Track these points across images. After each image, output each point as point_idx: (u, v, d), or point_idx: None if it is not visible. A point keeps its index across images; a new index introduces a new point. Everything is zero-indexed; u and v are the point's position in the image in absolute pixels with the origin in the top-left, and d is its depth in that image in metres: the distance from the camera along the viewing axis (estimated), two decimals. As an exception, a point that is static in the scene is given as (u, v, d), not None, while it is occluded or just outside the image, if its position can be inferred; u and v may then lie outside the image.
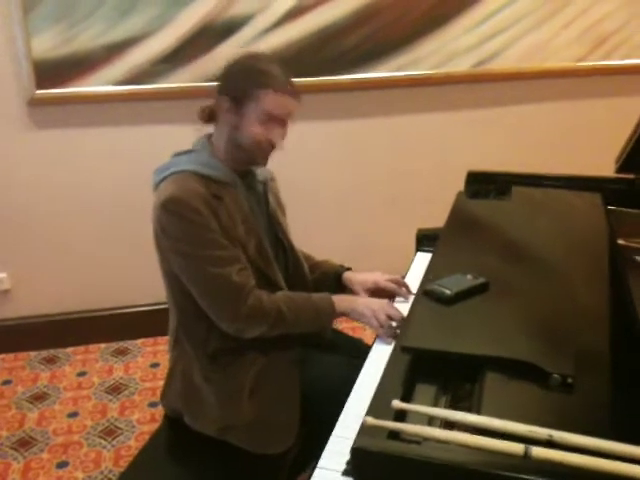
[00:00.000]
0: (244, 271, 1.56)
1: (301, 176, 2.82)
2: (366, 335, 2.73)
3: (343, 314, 1.63)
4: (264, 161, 1.65)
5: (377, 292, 1.75)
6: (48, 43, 2.49)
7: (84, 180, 2.74)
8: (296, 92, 1.59)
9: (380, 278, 1.77)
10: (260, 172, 1.72)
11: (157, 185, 1.60)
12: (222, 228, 1.54)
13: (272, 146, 1.60)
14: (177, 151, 1.65)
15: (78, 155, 2.71)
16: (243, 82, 1.56)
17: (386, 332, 1.54)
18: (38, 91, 2.54)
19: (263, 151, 1.60)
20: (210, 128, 1.67)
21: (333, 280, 1.83)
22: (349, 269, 1.86)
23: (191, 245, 1.51)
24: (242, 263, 1.56)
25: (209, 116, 1.64)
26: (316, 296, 1.64)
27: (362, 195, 3.03)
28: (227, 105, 1.57)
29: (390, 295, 1.74)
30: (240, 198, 1.61)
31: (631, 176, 1.92)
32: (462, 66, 2.88)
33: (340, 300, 1.64)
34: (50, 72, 2.53)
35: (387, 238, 3.01)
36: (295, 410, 1.58)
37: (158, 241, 1.58)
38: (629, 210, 1.82)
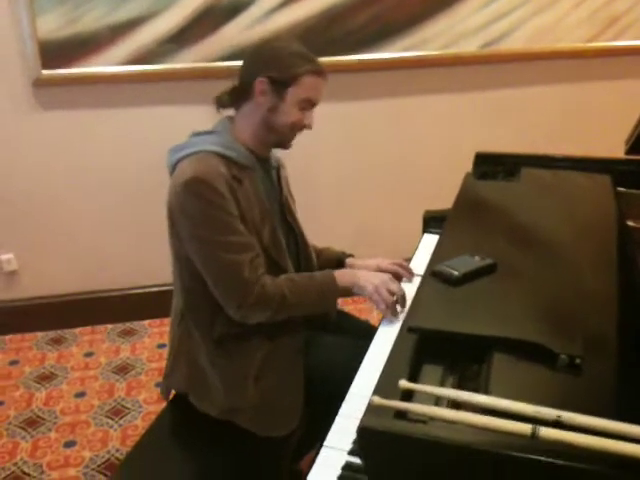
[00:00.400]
0: (256, 259, 1.55)
1: (306, 158, 2.80)
2: (373, 317, 2.73)
3: (345, 289, 1.63)
4: (290, 145, 1.65)
5: None
6: (53, 23, 2.48)
7: (90, 161, 2.74)
8: (327, 74, 1.61)
9: (382, 262, 1.77)
10: (273, 159, 1.72)
11: (174, 164, 1.59)
12: (240, 212, 1.54)
13: (303, 129, 1.62)
14: (196, 131, 1.64)
15: (84, 135, 2.70)
16: (287, 65, 1.55)
17: (387, 307, 1.54)
18: (44, 71, 2.53)
19: (294, 134, 1.62)
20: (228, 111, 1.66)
21: (335, 267, 1.83)
22: (351, 255, 1.86)
23: (208, 228, 1.51)
24: (255, 250, 1.56)
25: (235, 100, 1.62)
26: (319, 274, 1.65)
27: (369, 177, 3.02)
28: (265, 87, 1.55)
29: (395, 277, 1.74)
30: (258, 182, 1.62)
31: (641, 158, 1.90)
32: (470, 47, 2.85)
33: (342, 275, 1.64)
34: (55, 52, 2.52)
35: (394, 221, 3.00)
36: (299, 394, 1.58)
37: (173, 221, 1.57)
38: (638, 192, 1.81)
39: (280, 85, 1.55)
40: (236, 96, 1.62)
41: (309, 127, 1.62)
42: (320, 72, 1.57)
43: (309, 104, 1.59)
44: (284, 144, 1.65)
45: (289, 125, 1.59)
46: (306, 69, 1.54)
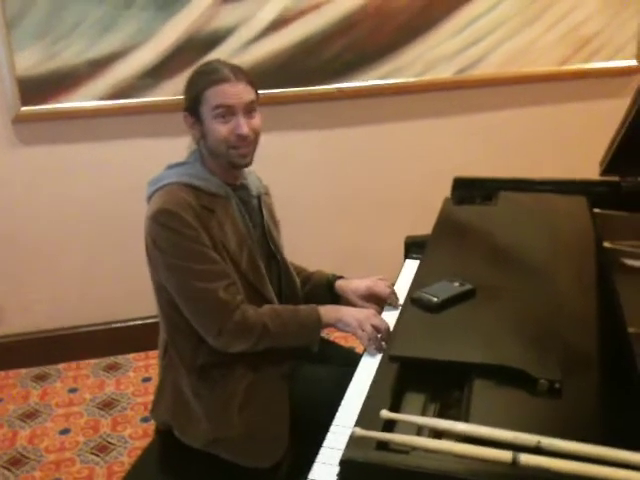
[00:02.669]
0: (232, 286, 1.55)
1: (287, 185, 2.81)
2: (358, 344, 2.72)
3: (330, 325, 1.63)
4: (244, 159, 1.61)
5: (371, 298, 1.74)
6: (31, 60, 2.49)
7: (71, 196, 2.73)
8: (242, 78, 1.58)
9: (373, 283, 1.75)
10: (254, 187, 1.72)
11: (150, 197, 1.61)
12: (213, 240, 1.55)
13: (241, 138, 1.57)
14: (170, 163, 1.66)
15: (65, 171, 2.70)
16: (190, 91, 1.60)
17: (372, 343, 1.53)
18: (23, 108, 2.54)
19: (234, 147, 1.58)
20: None
21: (326, 290, 1.82)
22: (341, 277, 1.85)
23: (179, 258, 1.52)
24: (231, 278, 1.56)
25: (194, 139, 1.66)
26: (303, 309, 1.63)
27: (349, 203, 3.04)
28: (189, 120, 1.61)
29: (383, 300, 1.74)
30: (232, 210, 1.62)
31: (616, 178, 1.93)
32: (445, 73, 2.89)
33: (326, 311, 1.63)
34: (34, 89, 2.53)
35: (375, 245, 3.01)
36: (284, 424, 1.57)
37: (149, 253, 1.59)
38: (614, 212, 1.83)
39: (193, 111, 1.59)
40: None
41: (243, 133, 1.56)
42: (220, 80, 1.54)
43: (225, 112, 1.55)
44: (235, 163, 1.61)
45: (220, 141, 1.56)
46: (203, 84, 1.56)
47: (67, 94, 2.57)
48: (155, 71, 2.61)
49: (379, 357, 1.44)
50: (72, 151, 2.68)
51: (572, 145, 3.07)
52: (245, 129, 1.57)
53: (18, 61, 2.48)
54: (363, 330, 1.56)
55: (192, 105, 1.59)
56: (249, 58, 2.64)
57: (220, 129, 1.56)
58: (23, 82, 2.51)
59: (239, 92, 1.56)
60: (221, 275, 1.54)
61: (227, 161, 1.61)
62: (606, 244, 1.61)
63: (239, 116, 1.56)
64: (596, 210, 1.83)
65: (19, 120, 2.57)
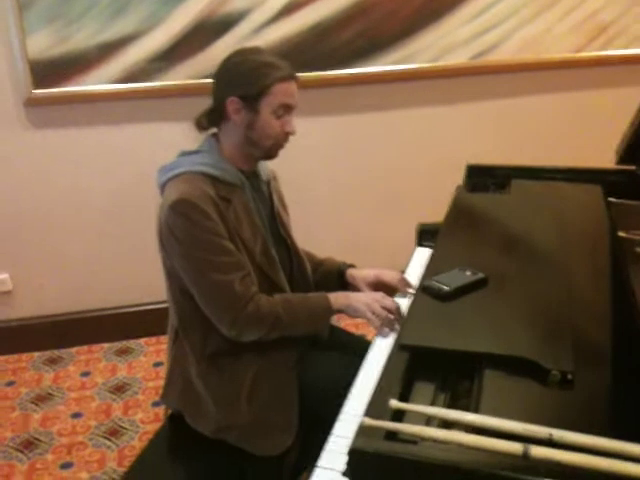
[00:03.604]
0: (247, 277, 1.55)
1: (298, 172, 2.81)
2: (369, 332, 2.72)
3: (340, 311, 1.63)
4: (276, 154, 1.64)
5: (379, 286, 1.75)
6: (43, 43, 2.48)
7: (83, 179, 2.74)
8: (297, 76, 1.60)
9: (382, 273, 1.77)
10: (263, 172, 1.72)
11: (163, 185, 1.60)
12: (229, 231, 1.54)
13: (287, 136, 1.61)
14: (184, 150, 1.64)
15: (76, 154, 2.70)
16: (254, 79, 1.54)
17: (383, 324, 1.54)
18: (35, 91, 2.54)
19: (280, 144, 1.62)
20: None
21: (336, 278, 1.84)
22: (352, 266, 1.85)
23: (197, 249, 1.51)
24: (246, 269, 1.56)
25: (212, 121, 1.63)
26: (313, 296, 1.64)
27: (361, 190, 3.02)
28: (238, 106, 1.56)
29: (392, 290, 1.74)
30: (247, 199, 1.62)
31: (631, 167, 1.90)
32: (460, 59, 2.86)
33: (336, 297, 1.63)
34: (46, 72, 2.52)
35: (387, 233, 3.00)
36: (293, 412, 1.57)
37: (163, 240, 1.57)
38: (630, 202, 1.80)
39: (252, 100, 1.54)
40: (213, 117, 1.62)
41: (292, 133, 1.61)
42: (289, 76, 1.56)
43: (285, 110, 1.57)
44: (271, 156, 1.64)
45: (271, 137, 1.58)
46: (274, 78, 1.53)
47: (79, 77, 2.56)
48: (167, 55, 2.60)
49: (389, 345, 1.43)
50: (83, 134, 2.68)
51: (587, 133, 3.03)
52: (295, 130, 1.60)
53: (30, 44, 2.47)
54: (373, 313, 1.56)
55: (252, 94, 1.54)
56: (261, 42, 2.62)
57: (275, 125, 1.57)
58: (35, 65, 2.50)
59: (297, 92, 1.59)
60: (237, 266, 1.54)
61: (263, 153, 1.62)
62: (621, 233, 1.59)
63: (292, 115, 1.59)
64: (611, 199, 1.81)
65: (30, 103, 2.56)
